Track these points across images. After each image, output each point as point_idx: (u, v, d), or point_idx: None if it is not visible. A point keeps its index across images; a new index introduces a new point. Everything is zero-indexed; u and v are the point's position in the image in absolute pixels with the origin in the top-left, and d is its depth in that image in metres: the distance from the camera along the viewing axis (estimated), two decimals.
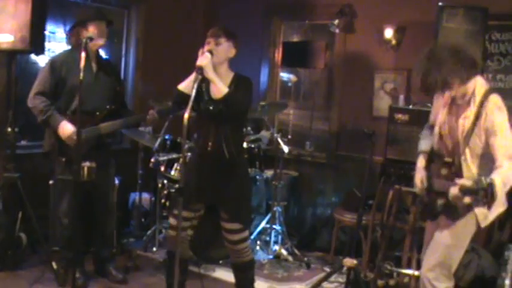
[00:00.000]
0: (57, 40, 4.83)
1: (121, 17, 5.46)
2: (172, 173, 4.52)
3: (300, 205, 5.51)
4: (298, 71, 5.66)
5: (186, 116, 2.77)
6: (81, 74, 3.28)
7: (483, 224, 2.81)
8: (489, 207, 2.42)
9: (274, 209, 4.80)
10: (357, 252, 4.02)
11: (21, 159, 4.24)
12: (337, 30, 5.11)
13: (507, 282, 3.64)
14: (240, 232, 3.28)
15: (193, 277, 3.87)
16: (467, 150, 2.76)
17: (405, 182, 3.89)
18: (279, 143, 4.70)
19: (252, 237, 4.69)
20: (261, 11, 5.70)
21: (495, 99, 2.72)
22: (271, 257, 4.72)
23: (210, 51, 3.10)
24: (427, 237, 3.12)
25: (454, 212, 2.80)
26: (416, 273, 3.63)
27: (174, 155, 4.58)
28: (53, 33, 4.80)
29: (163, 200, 4.65)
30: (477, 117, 2.73)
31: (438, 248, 2.89)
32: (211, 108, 3.19)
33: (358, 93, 5.16)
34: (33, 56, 4.57)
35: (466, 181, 2.58)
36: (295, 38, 5.81)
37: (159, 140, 4.50)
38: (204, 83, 3.19)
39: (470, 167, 2.76)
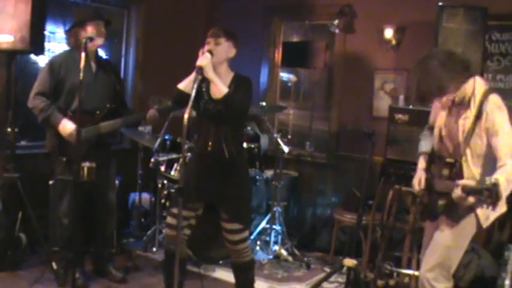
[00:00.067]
0: (57, 40, 4.83)
1: (121, 17, 5.46)
2: (172, 173, 4.52)
3: (300, 205, 5.51)
4: (298, 71, 5.67)
5: (186, 116, 2.77)
6: (81, 74, 3.30)
7: (485, 225, 2.81)
8: (494, 207, 2.41)
9: (274, 209, 4.80)
10: (356, 252, 4.02)
11: (21, 159, 4.24)
12: (337, 30, 5.11)
13: (507, 282, 3.64)
14: (240, 232, 3.28)
15: (193, 277, 3.87)
16: (468, 151, 2.76)
17: (405, 182, 3.88)
18: (279, 143, 4.70)
19: (252, 237, 4.69)
20: (261, 11, 5.70)
21: (495, 99, 2.72)
22: (271, 257, 4.72)
23: (210, 51, 3.10)
24: (426, 237, 3.12)
25: (455, 212, 2.80)
26: (416, 273, 3.63)
27: (174, 155, 4.59)
28: (53, 33, 4.80)
29: (163, 200, 4.64)
30: (477, 117, 2.72)
31: (438, 248, 2.88)
32: (211, 108, 3.19)
33: (358, 93, 5.16)
34: (33, 56, 4.57)
35: (468, 181, 2.58)
36: (295, 38, 5.81)
37: (159, 140, 4.50)
38: (204, 83, 3.18)
39: (470, 167, 2.76)
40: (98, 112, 3.76)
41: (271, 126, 4.96)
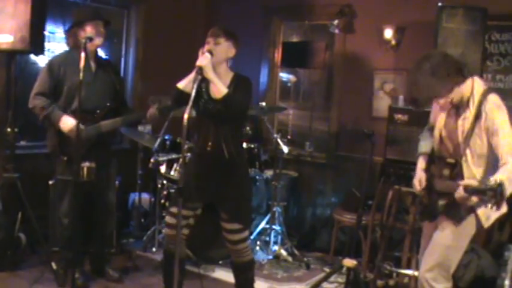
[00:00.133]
0: (56, 40, 4.83)
1: (121, 17, 5.46)
2: (172, 173, 4.52)
3: (300, 205, 5.51)
4: (297, 71, 5.67)
5: (185, 116, 2.77)
6: (81, 74, 3.31)
7: (486, 225, 2.81)
8: (498, 207, 2.41)
9: (274, 209, 4.80)
10: (356, 252, 4.02)
11: (20, 159, 4.24)
12: (336, 31, 5.11)
13: (507, 282, 3.64)
14: (240, 232, 3.28)
15: (192, 277, 3.87)
16: (467, 151, 2.76)
17: (405, 182, 3.88)
18: (278, 144, 4.70)
19: (252, 237, 4.69)
20: (260, 11, 5.70)
21: (494, 98, 2.72)
22: (270, 257, 4.72)
23: (210, 51, 3.10)
24: (424, 237, 3.12)
25: (455, 212, 2.80)
26: (416, 273, 3.63)
27: (174, 155, 4.59)
28: (53, 33, 4.80)
29: (162, 201, 4.64)
30: (476, 117, 2.73)
31: (437, 248, 2.88)
32: (210, 107, 3.18)
33: (357, 93, 5.16)
34: (32, 56, 4.57)
35: (470, 181, 2.59)
36: (295, 38, 5.81)
37: (158, 140, 4.50)
38: (203, 83, 3.18)
39: (471, 167, 2.76)
40: (98, 111, 3.77)
41: (271, 126, 4.95)
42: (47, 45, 4.23)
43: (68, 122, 3.62)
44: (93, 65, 3.81)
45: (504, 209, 2.82)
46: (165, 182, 4.59)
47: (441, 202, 2.84)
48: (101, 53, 4.02)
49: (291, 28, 5.80)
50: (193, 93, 2.91)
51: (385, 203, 4.10)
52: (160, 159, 4.52)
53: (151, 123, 4.23)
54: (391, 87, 4.97)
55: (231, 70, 3.28)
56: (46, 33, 4.11)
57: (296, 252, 4.74)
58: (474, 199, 2.58)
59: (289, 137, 5.16)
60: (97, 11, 3.88)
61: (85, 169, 3.59)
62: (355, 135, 5.02)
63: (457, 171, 2.78)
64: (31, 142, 4.73)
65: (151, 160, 4.49)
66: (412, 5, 4.76)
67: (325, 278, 4.09)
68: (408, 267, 3.95)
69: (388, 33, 4.85)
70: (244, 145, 4.45)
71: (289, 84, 5.38)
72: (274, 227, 4.81)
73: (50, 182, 4.18)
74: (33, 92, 3.71)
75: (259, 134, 5.42)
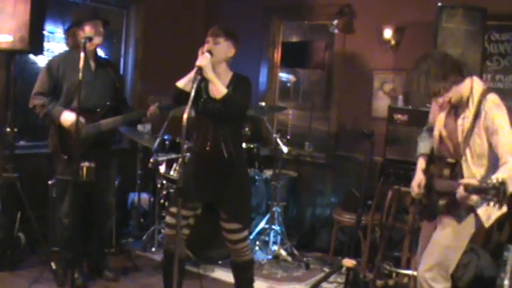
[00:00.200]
0: (56, 40, 4.83)
1: (120, 17, 5.46)
2: (172, 173, 4.51)
3: (299, 205, 5.51)
4: (297, 71, 5.66)
5: (185, 116, 2.77)
6: (80, 74, 3.31)
7: (487, 224, 2.82)
8: (500, 205, 2.42)
9: (273, 209, 4.80)
10: (356, 252, 4.03)
11: (20, 159, 4.24)
12: (336, 31, 5.11)
13: (506, 282, 3.64)
14: (240, 232, 3.28)
15: (192, 277, 3.87)
16: (467, 151, 2.77)
17: (404, 182, 3.88)
18: (278, 144, 4.70)
19: (251, 237, 4.69)
20: (260, 11, 5.70)
21: (493, 98, 2.73)
22: (270, 257, 4.72)
23: (210, 51, 3.10)
24: (422, 237, 3.13)
25: (455, 212, 2.81)
26: (415, 273, 3.63)
27: (173, 155, 4.58)
28: (52, 33, 4.80)
29: (162, 200, 4.64)
30: (476, 116, 2.73)
31: (437, 248, 2.89)
32: (209, 106, 3.18)
33: (357, 93, 5.16)
34: (32, 56, 4.57)
35: (471, 180, 2.59)
36: (295, 38, 5.81)
37: (158, 140, 4.50)
38: (202, 82, 3.18)
39: (470, 167, 2.77)
40: (98, 110, 3.77)
41: (271, 126, 4.95)
42: (46, 45, 4.23)
43: (68, 118, 3.62)
44: (92, 64, 3.81)
45: (504, 208, 2.82)
46: (164, 182, 4.59)
47: (441, 202, 2.84)
48: (101, 52, 4.02)
49: (290, 28, 5.80)
50: (192, 93, 2.91)
51: (385, 203, 4.10)
52: (160, 159, 4.51)
53: (151, 121, 4.21)
54: (391, 87, 4.97)
55: (230, 70, 3.28)
56: (45, 33, 4.12)
57: (295, 252, 4.74)
58: (474, 198, 2.58)
59: (288, 137, 5.15)
60: (96, 11, 3.88)
61: (84, 169, 3.59)
62: (354, 135, 5.01)
63: (457, 171, 2.79)
64: (30, 142, 4.73)
65: (151, 160, 4.48)
66: (411, 5, 4.76)
67: (325, 278, 4.09)
68: (408, 267, 3.95)
69: (388, 33, 4.85)
70: (244, 145, 4.45)
71: (288, 84, 5.38)
72: (273, 227, 4.80)
73: (50, 182, 4.18)
74: (33, 92, 3.73)
75: (259, 134, 5.42)
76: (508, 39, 4.43)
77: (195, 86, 2.95)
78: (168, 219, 3.36)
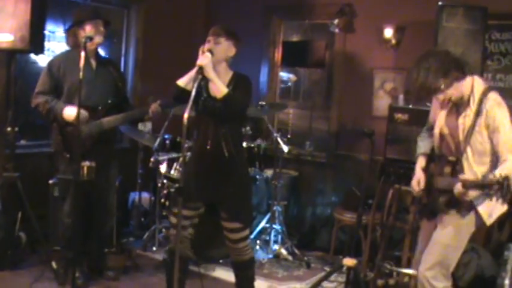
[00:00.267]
0: (56, 39, 4.82)
1: (121, 17, 5.46)
2: (172, 172, 4.51)
3: (300, 205, 5.51)
4: (297, 71, 5.66)
5: (185, 115, 2.77)
6: (81, 74, 3.32)
7: (488, 222, 2.83)
8: (504, 201, 2.43)
9: (274, 208, 4.80)
10: (356, 251, 4.02)
11: (20, 158, 4.24)
12: (337, 30, 5.11)
13: (507, 282, 3.64)
14: (241, 231, 3.28)
15: (193, 276, 3.86)
16: (468, 149, 2.78)
17: (405, 181, 3.88)
18: (278, 143, 4.70)
19: (252, 236, 4.69)
20: (260, 11, 5.69)
21: (494, 96, 2.75)
22: (271, 256, 4.72)
23: (210, 51, 3.10)
24: (422, 236, 3.14)
25: (455, 210, 2.81)
26: (415, 272, 3.62)
27: (174, 155, 4.58)
28: (53, 32, 4.79)
29: (162, 200, 4.64)
30: (477, 114, 2.75)
31: (437, 247, 2.89)
32: (210, 105, 3.19)
33: (357, 92, 5.16)
34: (32, 56, 4.56)
35: (468, 176, 2.62)
36: (295, 38, 5.81)
37: (158, 140, 4.50)
38: (202, 81, 3.18)
39: (471, 165, 2.78)
40: (99, 108, 3.77)
41: (271, 125, 4.95)
42: (47, 44, 4.23)
43: (71, 112, 3.62)
44: (93, 63, 3.83)
45: (504, 207, 2.84)
46: (165, 181, 4.59)
47: (442, 199, 2.85)
48: (101, 52, 4.03)
49: (291, 27, 5.80)
50: (193, 92, 2.91)
51: (385, 202, 4.10)
52: (161, 158, 4.52)
53: (153, 119, 4.19)
54: (391, 87, 4.97)
55: (230, 69, 3.28)
56: (46, 32, 4.11)
57: (296, 251, 4.74)
58: (472, 194, 2.62)
59: (289, 136, 5.15)
60: (97, 11, 3.89)
61: (85, 168, 3.59)
62: (355, 135, 5.01)
63: (458, 169, 2.80)
64: (31, 141, 4.73)
65: (152, 159, 4.49)
66: (412, 4, 4.76)
67: (326, 277, 4.09)
68: (408, 266, 3.94)
69: (388, 32, 4.85)
70: (244, 144, 4.44)
71: (289, 84, 5.37)
72: (274, 226, 4.81)
73: (50, 182, 4.18)
74: (34, 92, 3.76)
75: (260, 133, 5.42)
76: (508, 39, 4.43)
77: (195, 85, 2.95)
78: (173, 219, 3.37)
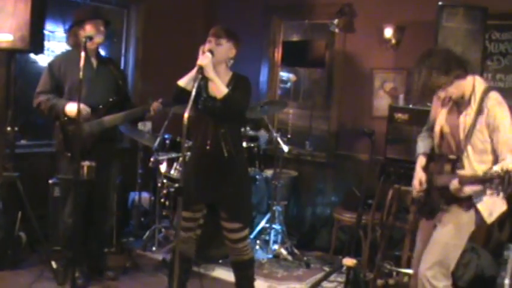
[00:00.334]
0: (56, 39, 4.82)
1: (120, 17, 5.46)
2: (172, 172, 4.51)
3: (300, 204, 5.51)
4: (297, 71, 5.66)
5: (185, 115, 2.77)
6: (81, 73, 3.32)
7: (489, 221, 2.84)
8: (505, 194, 2.45)
9: (274, 208, 4.80)
10: (356, 251, 4.02)
11: (20, 158, 4.24)
12: (337, 30, 5.11)
13: (506, 281, 3.64)
14: (240, 231, 3.28)
15: (192, 276, 3.86)
16: (469, 147, 2.80)
17: (405, 181, 3.88)
18: (278, 143, 4.70)
19: (252, 236, 4.69)
20: (260, 11, 5.70)
21: (495, 96, 2.78)
22: (270, 256, 4.72)
23: (211, 51, 3.10)
24: (420, 235, 3.14)
25: (458, 204, 2.82)
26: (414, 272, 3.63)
27: (174, 155, 4.58)
28: (53, 32, 4.79)
29: (162, 200, 4.64)
30: (478, 113, 2.77)
31: (437, 246, 2.90)
32: (209, 105, 3.19)
33: (357, 92, 5.16)
34: (32, 55, 4.56)
35: (465, 172, 2.66)
36: (295, 38, 5.81)
37: (158, 140, 4.50)
38: (202, 81, 3.18)
39: (472, 163, 2.79)
40: (101, 106, 3.78)
41: (271, 125, 4.94)
42: (46, 44, 4.23)
43: (74, 108, 3.59)
44: (94, 62, 3.83)
45: (504, 206, 2.85)
46: (165, 181, 4.59)
47: (442, 197, 2.86)
48: (101, 52, 4.03)
49: (291, 27, 5.80)
50: (193, 93, 2.91)
51: (385, 202, 4.10)
52: (160, 158, 4.51)
53: (155, 116, 4.18)
54: (391, 86, 4.97)
55: (229, 69, 3.28)
56: (46, 32, 4.11)
57: (296, 251, 4.74)
58: (468, 190, 2.65)
59: (289, 136, 5.15)
60: (97, 10, 3.90)
61: (85, 168, 3.60)
62: (355, 135, 5.01)
63: (458, 167, 2.81)
64: (31, 141, 4.73)
65: (151, 159, 4.49)
66: (412, 4, 4.76)
67: (325, 277, 4.09)
68: (408, 266, 3.95)
69: (388, 32, 4.85)
70: (244, 144, 4.44)
71: (289, 84, 5.37)
72: (274, 226, 4.80)
73: (50, 181, 4.18)
74: (36, 92, 3.76)
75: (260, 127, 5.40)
76: (508, 39, 4.43)
77: (195, 84, 2.95)
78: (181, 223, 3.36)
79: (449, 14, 4.04)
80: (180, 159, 4.47)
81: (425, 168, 3.03)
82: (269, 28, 5.70)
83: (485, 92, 2.78)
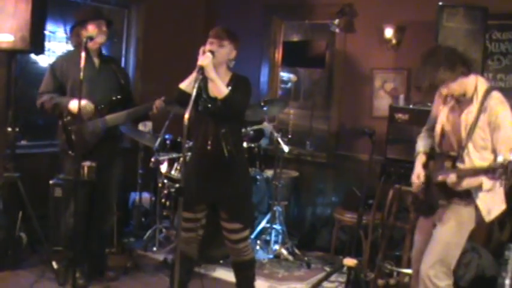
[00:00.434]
0: (57, 40, 4.83)
1: (121, 17, 5.46)
2: (173, 172, 4.51)
3: (300, 205, 5.51)
4: (298, 71, 5.66)
5: (186, 116, 2.77)
6: (82, 73, 3.33)
7: (487, 219, 2.85)
8: (509, 183, 2.46)
9: (275, 208, 4.80)
10: (357, 251, 4.01)
11: (21, 158, 4.24)
12: (337, 30, 5.11)
13: (507, 281, 3.64)
14: (240, 231, 3.28)
15: (193, 276, 3.86)
16: (470, 145, 2.81)
17: (405, 181, 3.88)
18: (279, 143, 4.70)
19: (253, 236, 4.69)
20: (261, 11, 5.69)
21: (497, 95, 2.81)
22: (271, 256, 4.72)
23: (212, 52, 3.10)
24: (418, 234, 3.15)
25: (459, 197, 2.83)
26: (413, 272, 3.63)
27: (175, 155, 4.58)
28: (53, 32, 4.80)
29: (163, 200, 4.64)
30: (480, 111, 2.79)
31: (438, 245, 2.91)
32: (209, 106, 3.19)
33: (358, 92, 5.16)
34: (33, 56, 4.57)
35: (463, 166, 2.70)
36: (296, 38, 5.81)
37: (159, 140, 4.50)
38: (202, 81, 3.18)
39: (472, 160, 2.81)
40: (103, 105, 3.78)
41: (272, 124, 4.94)
42: (47, 44, 4.23)
43: (76, 104, 3.59)
44: (96, 61, 3.84)
45: (503, 206, 2.86)
46: (165, 181, 4.59)
47: (441, 194, 2.87)
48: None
49: (291, 27, 5.79)
50: (194, 93, 2.92)
51: (386, 202, 4.10)
52: (161, 158, 4.52)
53: (158, 115, 4.18)
54: (392, 87, 4.97)
55: (229, 70, 3.29)
56: (46, 32, 4.12)
57: (297, 251, 4.74)
58: (464, 184, 2.70)
59: (289, 136, 5.15)
60: (99, 11, 3.91)
61: (85, 168, 3.60)
62: (355, 135, 5.01)
63: (459, 163, 2.82)
64: (32, 141, 4.73)
65: (152, 159, 4.49)
66: (412, 4, 4.76)
67: (326, 277, 4.09)
68: (409, 266, 3.94)
69: (389, 32, 4.85)
70: (245, 144, 4.44)
71: (289, 84, 5.37)
72: (274, 226, 4.81)
73: (51, 182, 4.18)
74: (38, 92, 3.78)
75: (260, 133, 5.40)
76: (509, 38, 4.43)
77: (196, 85, 2.95)
78: (183, 224, 3.36)
79: (449, 14, 4.04)
80: (181, 159, 4.47)
81: (425, 166, 3.06)
82: (269, 28, 5.70)
83: (488, 91, 2.80)
